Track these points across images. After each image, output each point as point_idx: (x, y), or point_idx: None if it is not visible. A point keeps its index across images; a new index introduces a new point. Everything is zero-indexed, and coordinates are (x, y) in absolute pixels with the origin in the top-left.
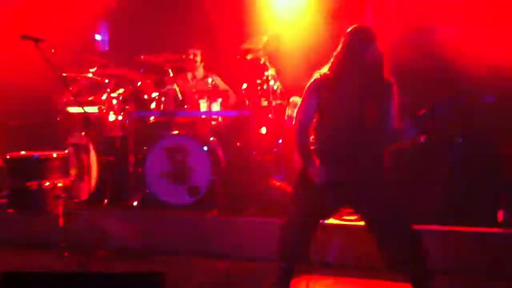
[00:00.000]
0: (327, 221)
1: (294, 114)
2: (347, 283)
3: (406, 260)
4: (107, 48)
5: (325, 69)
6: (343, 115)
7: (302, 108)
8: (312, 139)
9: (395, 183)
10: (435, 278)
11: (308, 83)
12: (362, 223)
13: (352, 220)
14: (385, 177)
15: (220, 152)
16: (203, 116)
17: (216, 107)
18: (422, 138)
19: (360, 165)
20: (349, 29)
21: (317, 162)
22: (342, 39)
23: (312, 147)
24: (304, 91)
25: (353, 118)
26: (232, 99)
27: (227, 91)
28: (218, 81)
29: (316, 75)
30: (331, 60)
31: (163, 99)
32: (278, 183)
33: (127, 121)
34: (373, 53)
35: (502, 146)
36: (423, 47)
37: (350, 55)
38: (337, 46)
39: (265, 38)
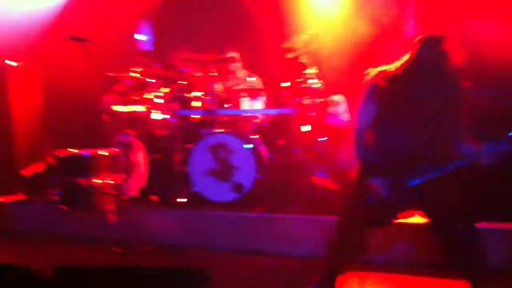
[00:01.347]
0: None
1: (350, 117)
2: (397, 280)
3: (465, 259)
4: (152, 48)
5: (387, 67)
6: (399, 124)
7: (360, 110)
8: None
9: (462, 181)
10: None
11: (366, 84)
12: (409, 220)
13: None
14: (458, 176)
15: (263, 150)
16: (246, 115)
17: (258, 105)
18: None
19: (433, 167)
20: (420, 38)
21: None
22: (412, 47)
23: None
24: (363, 91)
25: (411, 128)
26: (265, 99)
27: (262, 90)
28: (258, 80)
29: (374, 72)
30: (397, 63)
31: (207, 97)
32: (320, 181)
33: (173, 119)
34: (443, 59)
35: None
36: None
37: (419, 58)
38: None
39: (305, 37)
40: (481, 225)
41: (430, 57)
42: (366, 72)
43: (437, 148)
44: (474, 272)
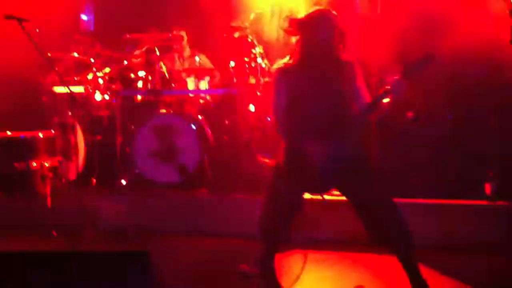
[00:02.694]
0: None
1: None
2: (338, 257)
3: (388, 235)
4: (92, 28)
5: (288, 56)
6: (308, 101)
7: (274, 98)
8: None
9: (374, 159)
10: (415, 250)
11: (273, 74)
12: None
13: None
14: (364, 154)
15: (208, 131)
16: (191, 95)
17: (203, 85)
18: (411, 115)
19: (336, 147)
20: (305, 14)
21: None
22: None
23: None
24: (271, 81)
25: (318, 103)
26: (217, 78)
27: (212, 69)
28: (205, 59)
29: (278, 64)
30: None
31: (150, 78)
32: (266, 161)
33: (114, 100)
34: (328, 33)
35: (489, 120)
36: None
37: (305, 40)
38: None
39: (252, 16)
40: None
41: (314, 38)
42: (275, 63)
43: (336, 123)
44: (401, 248)
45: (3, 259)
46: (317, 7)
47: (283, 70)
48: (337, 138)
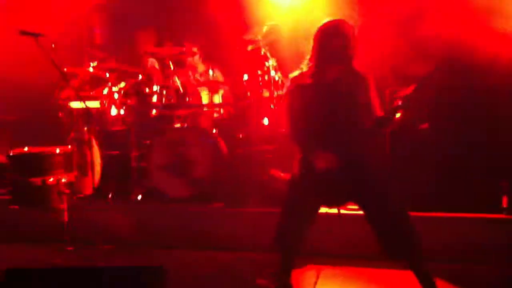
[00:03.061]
0: (329, 210)
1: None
2: (353, 272)
3: (402, 248)
4: (107, 42)
5: (303, 67)
6: (322, 112)
7: (288, 107)
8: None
9: (388, 172)
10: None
11: (288, 83)
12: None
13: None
14: (377, 167)
15: (222, 144)
16: (205, 109)
17: (217, 99)
18: (425, 126)
19: (349, 155)
20: (320, 24)
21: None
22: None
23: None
24: (285, 90)
25: (331, 114)
26: (228, 93)
27: (225, 83)
28: (218, 74)
29: (294, 74)
30: (307, 57)
31: (164, 92)
32: (280, 174)
33: (129, 115)
34: (341, 44)
35: (504, 132)
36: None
37: (320, 50)
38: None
39: (265, 29)
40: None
41: (325, 44)
42: (291, 73)
43: (349, 135)
44: (414, 262)
45: (21, 274)
46: (333, 18)
47: (298, 80)
48: (351, 150)
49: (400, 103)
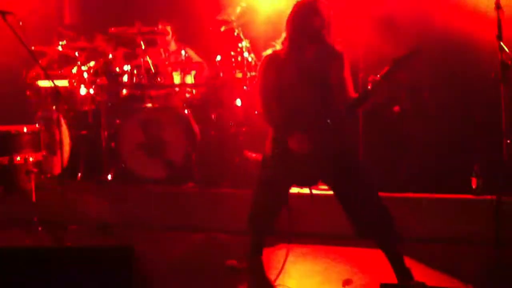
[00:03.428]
0: (301, 190)
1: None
2: (323, 251)
3: (372, 228)
4: (77, 20)
5: (277, 45)
6: (296, 91)
7: (261, 85)
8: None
9: (359, 152)
10: (401, 244)
11: (261, 61)
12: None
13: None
14: (349, 147)
15: (194, 125)
16: (177, 89)
17: (189, 79)
18: (397, 109)
19: (322, 136)
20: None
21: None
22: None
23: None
24: (258, 69)
25: (306, 93)
26: (205, 71)
27: (200, 63)
28: (191, 53)
29: (268, 52)
30: (282, 34)
31: (135, 72)
32: (253, 155)
33: (99, 94)
34: (317, 23)
35: (476, 115)
36: None
37: (295, 27)
38: None
39: (238, 9)
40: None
41: (300, 21)
42: (265, 51)
43: (323, 113)
44: (385, 241)
45: None
46: None
47: (272, 57)
48: (323, 130)
49: (369, 88)
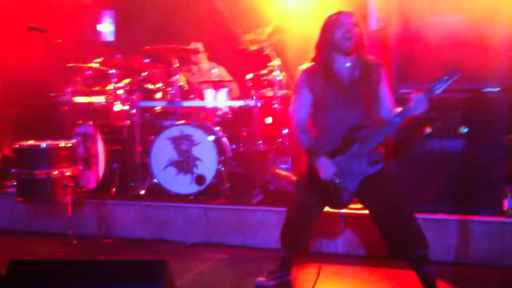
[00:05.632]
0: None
1: (290, 111)
2: (354, 271)
3: (406, 247)
4: (112, 38)
5: (308, 61)
6: (332, 105)
7: (296, 104)
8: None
9: (394, 171)
10: (433, 265)
11: (296, 78)
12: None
13: (359, 209)
14: (385, 165)
15: (225, 142)
16: (209, 106)
17: (221, 97)
18: (427, 129)
19: (358, 158)
20: (329, 15)
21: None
22: (323, 25)
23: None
24: (294, 87)
25: (343, 106)
26: (236, 90)
27: (231, 81)
28: (223, 71)
29: (302, 68)
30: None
31: (169, 89)
32: (283, 173)
33: (134, 111)
34: (348, 37)
35: (507, 135)
36: None
37: (326, 41)
38: None
39: (269, 29)
40: (424, 215)
41: (330, 33)
42: (298, 67)
43: (367, 120)
44: (419, 262)
45: (25, 266)
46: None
47: (308, 71)
48: (362, 146)
49: (410, 104)
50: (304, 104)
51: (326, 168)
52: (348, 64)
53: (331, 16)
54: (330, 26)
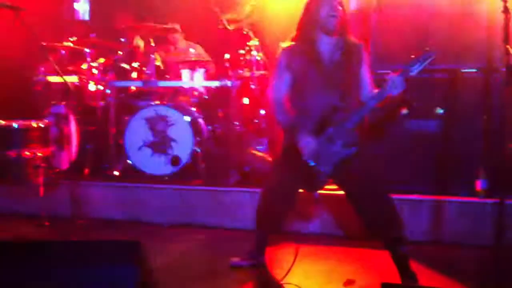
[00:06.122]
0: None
1: (269, 90)
2: (330, 251)
3: (381, 227)
4: (87, 17)
5: (289, 39)
6: (313, 85)
7: (275, 83)
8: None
9: (370, 152)
10: (408, 245)
11: (277, 56)
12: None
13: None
14: (361, 146)
15: (202, 122)
16: (185, 87)
17: (198, 77)
18: (404, 110)
19: (336, 138)
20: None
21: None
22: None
23: (293, 118)
24: (274, 65)
25: (323, 87)
26: (212, 69)
27: (208, 61)
28: (200, 50)
29: (283, 46)
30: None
31: (144, 69)
32: (259, 154)
33: (108, 91)
34: (332, 14)
35: (481, 117)
36: None
37: (309, 19)
38: None
39: (248, 8)
40: (398, 196)
41: (314, 12)
42: (278, 46)
43: (346, 103)
44: (393, 242)
45: None
46: None
47: (289, 50)
48: (337, 129)
49: (386, 85)
50: (283, 84)
51: (308, 146)
52: (330, 45)
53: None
54: (314, 4)
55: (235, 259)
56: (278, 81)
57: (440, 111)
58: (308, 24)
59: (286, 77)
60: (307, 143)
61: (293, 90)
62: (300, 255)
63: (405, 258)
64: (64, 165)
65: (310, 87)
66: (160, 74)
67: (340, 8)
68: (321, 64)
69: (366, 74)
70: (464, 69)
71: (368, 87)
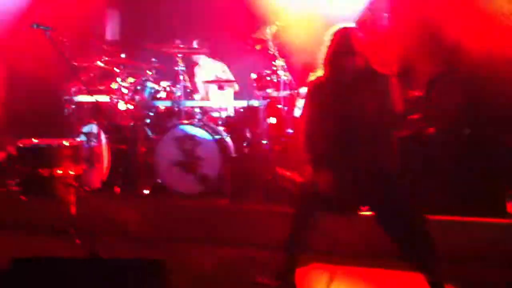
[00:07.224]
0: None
1: (300, 117)
2: (363, 272)
3: (412, 250)
4: (117, 37)
5: (319, 71)
6: (338, 116)
7: (306, 117)
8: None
9: (401, 174)
10: (442, 267)
11: (307, 88)
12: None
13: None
14: (391, 169)
15: (229, 142)
16: (213, 106)
17: (225, 97)
18: (431, 130)
19: (363, 162)
20: (332, 30)
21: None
22: (327, 39)
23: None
24: (305, 96)
25: (348, 118)
26: (236, 89)
27: (233, 81)
28: (227, 71)
29: (309, 80)
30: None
31: (173, 88)
32: (286, 173)
33: (138, 110)
34: (353, 46)
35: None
36: None
37: (332, 54)
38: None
39: (274, 29)
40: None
41: (338, 52)
42: (309, 75)
43: (366, 138)
44: (426, 264)
45: (28, 264)
46: (341, 25)
47: (316, 84)
48: (369, 154)
49: (412, 104)
50: (312, 117)
51: (325, 181)
52: (354, 76)
53: (341, 29)
54: (336, 40)
55: (261, 279)
56: (308, 115)
57: (467, 131)
58: (332, 58)
59: (313, 111)
60: (325, 177)
61: (321, 121)
62: (338, 277)
63: (440, 281)
64: (95, 183)
65: (335, 118)
66: (188, 94)
67: (362, 42)
68: (345, 95)
69: (391, 102)
70: None
71: (394, 112)
